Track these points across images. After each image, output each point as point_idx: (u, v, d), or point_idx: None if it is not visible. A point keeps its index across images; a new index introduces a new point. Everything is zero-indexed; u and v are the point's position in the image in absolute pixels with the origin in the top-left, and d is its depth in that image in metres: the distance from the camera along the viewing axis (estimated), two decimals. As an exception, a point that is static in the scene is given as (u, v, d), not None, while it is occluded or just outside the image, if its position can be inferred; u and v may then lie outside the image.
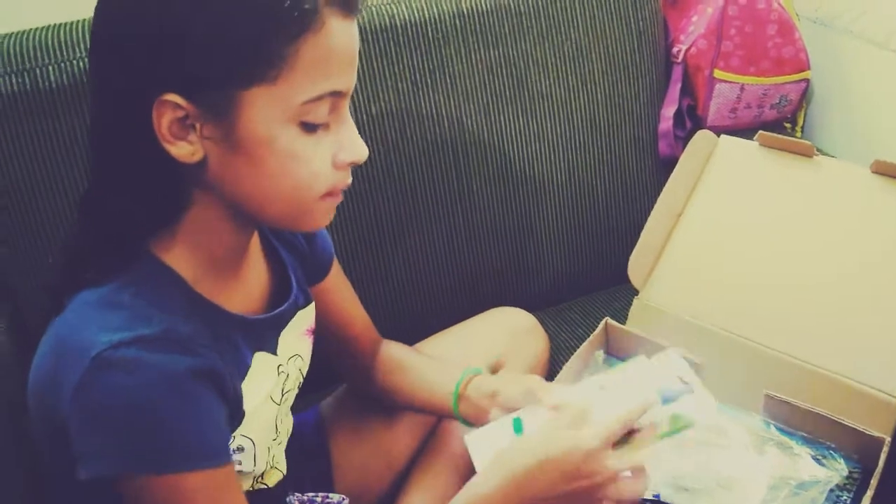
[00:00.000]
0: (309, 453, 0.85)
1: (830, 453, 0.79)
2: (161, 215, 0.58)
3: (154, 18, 0.52)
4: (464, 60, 1.04)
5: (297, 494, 0.74)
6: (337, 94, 0.57)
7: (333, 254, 0.82)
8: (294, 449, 0.75)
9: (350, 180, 0.62)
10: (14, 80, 0.84)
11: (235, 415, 0.62)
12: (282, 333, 0.69)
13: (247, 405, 0.63)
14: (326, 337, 0.80)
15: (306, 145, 0.57)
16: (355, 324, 0.85)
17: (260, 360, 0.65)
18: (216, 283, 0.62)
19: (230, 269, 0.64)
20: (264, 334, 0.67)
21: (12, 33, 0.88)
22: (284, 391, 0.70)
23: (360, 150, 0.60)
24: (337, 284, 0.82)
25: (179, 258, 0.59)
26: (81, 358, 0.52)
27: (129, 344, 0.53)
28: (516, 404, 0.73)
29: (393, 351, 0.87)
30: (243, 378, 0.63)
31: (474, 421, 0.78)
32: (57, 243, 0.88)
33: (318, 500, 0.78)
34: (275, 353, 0.67)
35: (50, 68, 0.85)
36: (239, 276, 0.65)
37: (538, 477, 0.63)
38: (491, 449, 0.69)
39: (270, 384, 0.67)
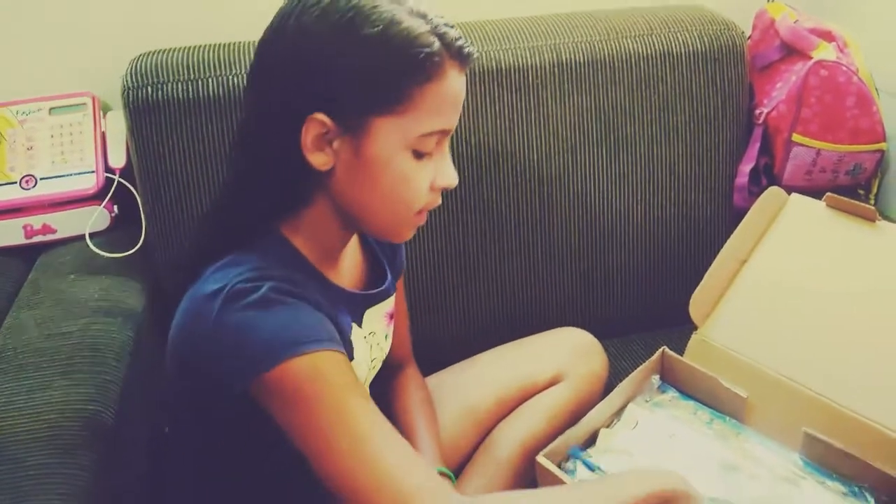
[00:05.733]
0: None
1: (861, 492, 0.85)
2: (285, 207, 0.72)
3: (313, 57, 0.66)
4: (557, 104, 1.15)
5: None
6: (444, 132, 0.71)
7: (403, 272, 0.94)
8: None
9: (440, 202, 0.75)
10: (180, 88, 1.01)
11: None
12: (367, 311, 0.82)
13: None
14: None
15: (413, 169, 0.70)
16: (394, 336, 0.92)
17: (354, 328, 0.78)
18: (325, 263, 0.76)
19: (335, 255, 0.78)
20: (357, 308, 0.80)
21: (182, 48, 1.05)
22: (372, 359, 0.83)
23: (452, 178, 0.74)
24: (396, 299, 0.91)
25: (299, 239, 0.74)
26: (215, 298, 0.64)
27: (255, 279, 0.65)
28: None
29: (406, 389, 0.96)
30: (348, 337, 0.76)
31: None
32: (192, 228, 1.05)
33: None
34: (360, 325, 0.80)
35: (210, 80, 1.02)
36: (341, 262, 0.80)
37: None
38: None
39: (362, 350, 0.80)
